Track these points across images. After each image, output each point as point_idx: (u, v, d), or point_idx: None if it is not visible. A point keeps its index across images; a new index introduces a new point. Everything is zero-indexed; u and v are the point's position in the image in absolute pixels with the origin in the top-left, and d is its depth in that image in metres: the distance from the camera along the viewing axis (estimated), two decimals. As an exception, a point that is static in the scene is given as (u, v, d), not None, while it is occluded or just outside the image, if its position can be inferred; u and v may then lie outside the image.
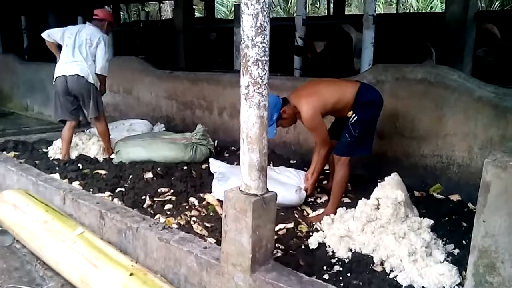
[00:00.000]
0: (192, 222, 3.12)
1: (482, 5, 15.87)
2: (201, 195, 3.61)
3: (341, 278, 2.44)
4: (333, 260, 2.63)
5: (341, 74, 4.54)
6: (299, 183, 3.55)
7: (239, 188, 2.23)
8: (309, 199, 3.59)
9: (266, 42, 2.03)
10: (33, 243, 3.14)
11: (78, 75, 4.39)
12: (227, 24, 8.99)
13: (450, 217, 3.16)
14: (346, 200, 3.48)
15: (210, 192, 3.63)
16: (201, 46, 8.85)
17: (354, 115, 3.10)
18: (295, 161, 4.48)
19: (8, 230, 3.49)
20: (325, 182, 3.86)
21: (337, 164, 3.22)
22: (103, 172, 4.19)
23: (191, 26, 8.01)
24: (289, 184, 3.50)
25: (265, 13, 1.99)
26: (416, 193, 3.59)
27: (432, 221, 2.79)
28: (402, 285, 2.35)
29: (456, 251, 2.67)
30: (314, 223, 3.14)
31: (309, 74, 5.88)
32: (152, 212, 3.31)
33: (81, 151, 4.83)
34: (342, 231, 2.79)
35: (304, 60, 6.05)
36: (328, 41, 6.99)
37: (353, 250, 2.70)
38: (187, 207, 3.42)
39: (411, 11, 20.17)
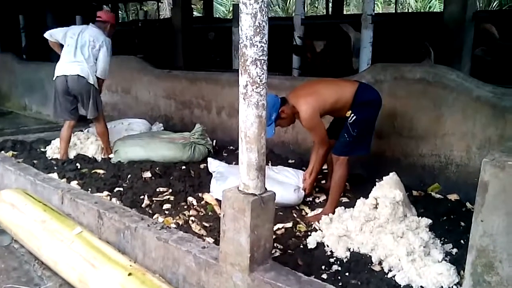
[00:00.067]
0: (190, 222, 3.12)
1: (480, 5, 15.87)
2: (200, 194, 3.61)
3: (339, 277, 2.44)
4: (332, 260, 2.63)
5: (340, 73, 4.54)
6: (298, 183, 3.55)
7: (238, 187, 2.23)
8: (308, 199, 3.59)
9: (265, 42, 2.03)
10: (31, 242, 3.14)
11: (79, 75, 4.38)
12: (225, 23, 8.97)
13: (448, 217, 3.16)
14: (345, 199, 3.48)
15: (208, 191, 3.63)
16: (199, 45, 8.84)
17: (352, 114, 3.10)
18: (293, 161, 4.48)
19: (6, 230, 3.48)
20: (323, 181, 3.86)
21: (335, 164, 3.22)
22: (101, 171, 4.19)
23: (189, 26, 8.00)
24: (287, 184, 3.50)
25: (263, 12, 1.99)
26: (415, 193, 3.59)
27: (430, 221, 2.79)
28: (400, 285, 2.35)
29: (454, 250, 2.67)
30: (312, 222, 3.14)
31: (308, 73, 5.88)
32: (150, 211, 3.31)
33: (79, 150, 4.82)
34: (340, 231, 2.79)
35: (303, 60, 6.05)
36: (327, 40, 6.99)
37: (351, 250, 2.70)
38: (185, 206, 3.42)
39: (410, 11, 20.17)
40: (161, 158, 4.39)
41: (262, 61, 2.04)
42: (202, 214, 3.30)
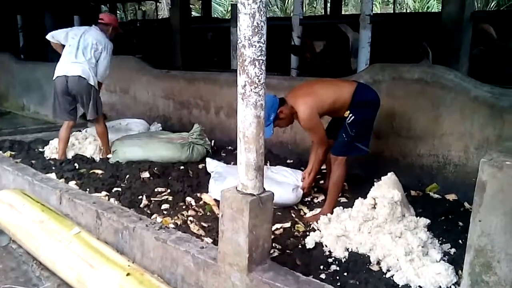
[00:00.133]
0: (189, 222, 3.12)
1: (478, 5, 15.89)
2: (198, 194, 3.61)
3: (338, 277, 2.44)
4: (330, 260, 2.63)
5: (340, 73, 4.54)
6: (296, 182, 3.55)
7: (236, 187, 2.23)
8: (306, 199, 3.59)
9: (263, 42, 2.03)
10: (29, 243, 3.13)
11: (80, 76, 4.37)
12: (224, 23, 8.97)
13: (446, 217, 3.17)
14: (343, 199, 3.48)
15: (207, 191, 3.63)
16: (197, 45, 8.84)
17: (351, 115, 3.10)
18: (292, 161, 4.48)
19: (4, 230, 3.48)
20: (322, 181, 3.86)
21: (333, 164, 3.22)
22: (99, 171, 4.18)
23: (187, 26, 8.00)
24: (285, 183, 3.50)
25: (262, 12, 1.99)
26: (413, 193, 3.60)
27: (428, 221, 2.80)
28: (398, 285, 2.36)
29: (453, 250, 2.68)
30: (311, 222, 3.14)
31: (308, 74, 5.88)
32: (148, 212, 3.31)
33: (78, 150, 4.82)
34: (339, 231, 2.79)
35: (303, 60, 6.05)
36: (327, 41, 6.99)
37: (349, 250, 2.70)
38: (184, 206, 3.41)
39: (408, 11, 20.20)
40: (160, 158, 4.39)
41: (261, 61, 2.04)
42: (201, 214, 3.29)
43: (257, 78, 2.05)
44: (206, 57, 9.25)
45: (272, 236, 2.53)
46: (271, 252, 2.50)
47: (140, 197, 3.54)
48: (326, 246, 2.77)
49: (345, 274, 2.48)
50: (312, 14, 20.39)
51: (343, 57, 6.74)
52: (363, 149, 3.25)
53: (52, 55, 4.76)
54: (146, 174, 4.02)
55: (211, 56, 9.36)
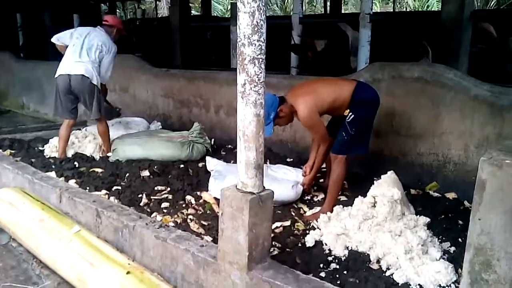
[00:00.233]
0: (188, 220, 3.12)
1: (478, 4, 15.89)
2: (198, 193, 3.61)
3: (337, 276, 2.44)
4: (330, 258, 2.63)
5: (341, 72, 4.54)
6: (296, 178, 3.55)
7: (236, 186, 2.23)
8: (306, 198, 3.60)
9: (263, 40, 2.03)
10: (29, 241, 3.13)
11: (83, 75, 4.37)
12: (223, 22, 8.97)
13: (446, 215, 3.17)
14: (343, 198, 3.48)
15: (206, 190, 3.63)
16: (196, 44, 8.84)
17: (350, 113, 3.10)
18: (291, 159, 4.48)
19: (4, 229, 3.48)
20: (321, 180, 3.87)
21: (333, 162, 3.22)
22: (99, 170, 4.18)
23: (187, 24, 7.99)
24: (285, 180, 3.50)
25: (261, 11, 1.99)
26: (413, 191, 3.60)
27: (428, 219, 2.80)
28: (398, 283, 2.36)
29: (452, 249, 2.68)
30: (310, 221, 3.14)
31: (309, 73, 5.88)
32: (148, 210, 3.31)
33: (77, 149, 4.82)
34: (338, 229, 2.80)
35: (304, 59, 6.04)
36: (328, 40, 6.98)
37: (349, 248, 2.71)
38: (183, 205, 3.42)
39: (408, 10, 20.18)
40: (159, 157, 4.39)
41: (260, 59, 2.04)
42: (201, 212, 3.30)
43: (257, 77, 2.05)
44: (203, 56, 9.25)
45: (272, 235, 2.53)
46: (271, 250, 2.50)
47: (140, 195, 3.55)
48: (326, 244, 2.77)
49: (345, 272, 2.48)
50: (312, 13, 20.37)
51: (345, 56, 6.73)
52: (363, 147, 3.25)
53: (52, 54, 4.75)
54: (146, 173, 4.03)
55: (208, 55, 9.35)
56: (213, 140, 5.10)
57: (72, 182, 3.85)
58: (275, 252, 2.66)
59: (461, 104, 3.50)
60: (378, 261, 2.56)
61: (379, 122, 3.59)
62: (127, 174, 4.01)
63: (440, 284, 2.32)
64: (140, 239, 2.78)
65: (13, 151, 4.92)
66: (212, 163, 3.99)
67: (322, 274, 2.44)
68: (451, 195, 3.49)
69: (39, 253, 3.04)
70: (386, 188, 2.79)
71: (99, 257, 2.62)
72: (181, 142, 4.54)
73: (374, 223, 2.71)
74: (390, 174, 2.92)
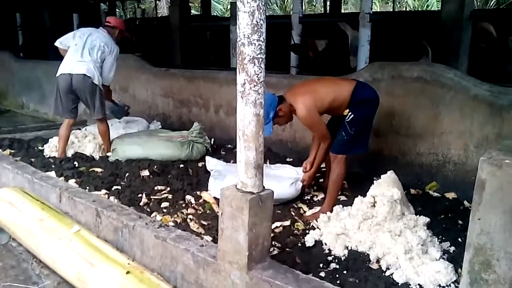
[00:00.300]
0: (188, 220, 3.12)
1: (478, 3, 15.89)
2: (198, 193, 3.62)
3: (337, 275, 2.44)
4: (330, 258, 2.64)
5: (341, 72, 4.54)
6: (296, 175, 3.55)
7: (236, 186, 2.23)
8: (306, 197, 3.60)
9: (262, 40, 2.03)
10: (29, 241, 3.13)
11: (84, 74, 4.37)
12: (223, 21, 8.96)
13: (446, 215, 3.17)
14: (343, 198, 3.48)
15: (206, 190, 3.63)
16: (196, 43, 8.83)
17: (350, 113, 3.10)
18: (291, 159, 4.48)
19: (4, 228, 3.47)
20: (321, 180, 3.87)
21: (333, 162, 3.22)
22: (99, 170, 4.18)
23: (187, 24, 7.98)
24: (284, 178, 3.50)
25: (261, 10, 1.99)
26: (412, 191, 3.60)
27: (428, 219, 2.80)
28: (398, 283, 2.36)
29: (452, 248, 2.69)
30: (310, 221, 3.14)
31: (310, 72, 5.87)
32: (148, 210, 3.31)
33: (77, 149, 4.82)
34: (338, 229, 2.80)
35: (304, 58, 6.03)
36: (329, 39, 6.98)
37: (349, 248, 2.71)
38: (183, 205, 3.42)
39: (408, 9, 20.18)
40: (159, 157, 4.39)
41: (260, 59, 2.04)
42: (200, 212, 3.30)
43: (257, 76, 2.05)
44: (202, 55, 9.24)
45: (272, 234, 2.53)
46: (271, 250, 2.50)
47: (139, 195, 3.55)
48: (325, 244, 2.77)
49: (345, 272, 2.48)
50: (311, 13, 20.37)
51: (346, 55, 6.73)
52: (363, 147, 3.25)
53: (51, 53, 4.76)
54: (145, 172, 4.03)
55: (208, 54, 9.34)
56: (212, 139, 5.10)
57: (72, 181, 3.85)
58: (275, 252, 2.66)
59: (461, 103, 3.50)
60: (378, 261, 2.56)
61: (378, 121, 3.59)
62: (127, 174, 4.01)
63: (439, 284, 2.32)
64: (140, 238, 2.78)
65: (12, 151, 4.92)
66: (211, 163, 3.99)
67: (322, 274, 2.44)
68: (450, 195, 3.49)
69: (39, 253, 3.04)
70: (386, 188, 2.79)
71: (99, 256, 2.62)
72: (181, 142, 4.54)
73: (374, 223, 2.71)
74: (390, 174, 2.92)
